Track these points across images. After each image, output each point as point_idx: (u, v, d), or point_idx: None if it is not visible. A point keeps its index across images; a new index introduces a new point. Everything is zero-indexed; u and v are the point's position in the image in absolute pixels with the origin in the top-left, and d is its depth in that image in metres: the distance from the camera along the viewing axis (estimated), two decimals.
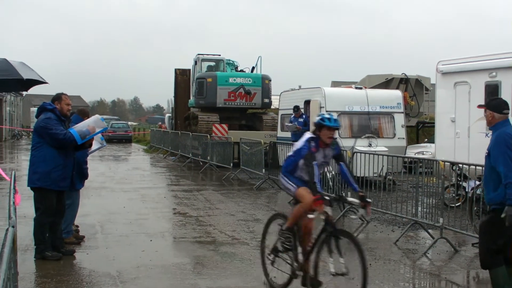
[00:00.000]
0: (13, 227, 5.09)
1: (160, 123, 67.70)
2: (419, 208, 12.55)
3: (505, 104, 7.76)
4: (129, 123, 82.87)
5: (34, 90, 12.29)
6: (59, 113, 10.14)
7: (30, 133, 65.07)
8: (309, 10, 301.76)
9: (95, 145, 11.65)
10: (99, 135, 11.44)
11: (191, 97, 34.71)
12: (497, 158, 7.32)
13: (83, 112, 11.75)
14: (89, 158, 12.26)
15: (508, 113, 7.68)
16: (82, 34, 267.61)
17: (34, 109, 75.05)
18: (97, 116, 10.92)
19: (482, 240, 7.71)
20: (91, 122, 10.44)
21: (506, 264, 7.59)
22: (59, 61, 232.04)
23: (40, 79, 10.61)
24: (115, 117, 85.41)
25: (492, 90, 15.67)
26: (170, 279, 9.16)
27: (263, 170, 20.90)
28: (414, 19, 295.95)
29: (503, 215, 7.17)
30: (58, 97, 10.32)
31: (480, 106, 8.35)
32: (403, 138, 21.92)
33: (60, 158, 9.97)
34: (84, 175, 11.56)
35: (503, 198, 7.25)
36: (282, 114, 25.48)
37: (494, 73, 15.67)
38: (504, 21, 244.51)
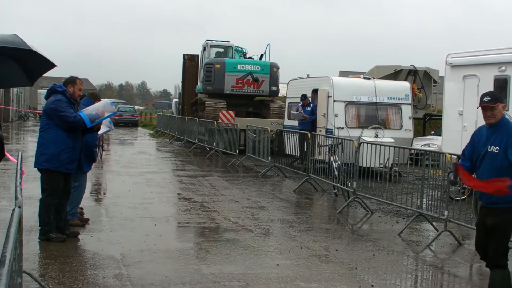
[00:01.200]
0: (19, 207, 5.09)
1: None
2: (424, 200, 12.54)
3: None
4: (136, 107, 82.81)
5: None
6: (70, 96, 10.13)
7: (37, 115, 65.12)
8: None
9: (103, 128, 11.68)
10: (108, 118, 11.46)
11: (198, 83, 34.70)
12: None
13: (94, 96, 11.73)
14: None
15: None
16: (88, 18, 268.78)
17: (41, 91, 75.13)
18: (107, 100, 10.94)
19: (492, 242, 7.41)
20: (101, 106, 10.43)
21: None
22: (66, 45, 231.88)
23: (48, 60, 10.53)
24: (122, 101, 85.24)
25: (501, 84, 15.64)
26: (173, 264, 9.17)
27: (269, 157, 20.89)
28: (418, 11, 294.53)
29: None
30: (72, 81, 10.27)
31: (484, 104, 7.63)
32: (410, 130, 21.90)
33: (69, 140, 9.97)
34: (93, 159, 11.61)
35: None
36: (289, 103, 25.46)
37: (503, 67, 15.63)
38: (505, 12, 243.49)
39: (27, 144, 32.32)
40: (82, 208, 12.09)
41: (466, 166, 7.67)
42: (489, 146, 7.32)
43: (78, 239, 10.39)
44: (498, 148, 7.20)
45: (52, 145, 9.89)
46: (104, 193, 15.46)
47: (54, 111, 9.89)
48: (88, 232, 10.91)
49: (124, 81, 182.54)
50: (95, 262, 9.03)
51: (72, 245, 9.97)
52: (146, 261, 9.23)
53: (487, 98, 7.35)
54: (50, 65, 9.82)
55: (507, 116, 7.59)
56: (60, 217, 10.28)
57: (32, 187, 13.60)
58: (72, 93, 10.16)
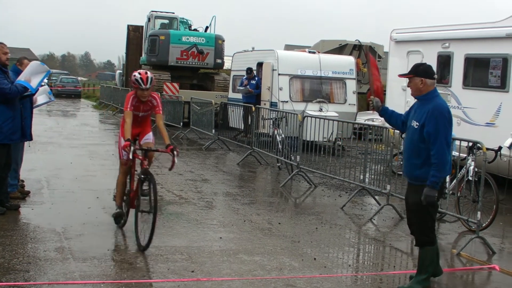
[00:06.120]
0: None
1: None
2: (367, 175, 12.66)
3: (432, 69, 7.43)
4: (79, 78, 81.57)
5: None
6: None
7: None
8: None
9: (41, 99, 11.40)
10: (47, 89, 11.21)
11: (143, 54, 34.39)
12: (433, 136, 6.95)
13: (18, 60, 11.26)
14: (36, 112, 12.03)
15: (436, 78, 7.39)
16: None
17: None
18: (36, 62, 10.51)
19: (418, 219, 7.35)
20: (28, 73, 10.08)
21: None
22: (5, 14, 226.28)
23: None
24: (65, 72, 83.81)
25: (444, 61, 15.83)
26: (115, 237, 9.10)
27: (213, 130, 20.83)
28: None
29: (422, 198, 6.96)
30: None
31: (402, 76, 7.68)
32: (354, 104, 22.07)
33: (9, 110, 9.75)
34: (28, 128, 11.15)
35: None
36: (234, 75, 25.38)
37: (447, 44, 15.80)
38: None
39: None
40: (23, 181, 11.88)
41: (397, 115, 7.99)
42: (412, 120, 7.34)
43: (19, 212, 10.22)
44: (417, 124, 7.18)
45: None
46: (46, 166, 15.20)
47: None
48: (29, 205, 10.73)
49: (66, 52, 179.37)
50: (36, 235, 8.90)
51: (12, 218, 9.80)
52: (87, 234, 9.14)
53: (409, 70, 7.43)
54: None
55: (443, 92, 7.57)
56: (1, 189, 10.08)
57: None
58: None
